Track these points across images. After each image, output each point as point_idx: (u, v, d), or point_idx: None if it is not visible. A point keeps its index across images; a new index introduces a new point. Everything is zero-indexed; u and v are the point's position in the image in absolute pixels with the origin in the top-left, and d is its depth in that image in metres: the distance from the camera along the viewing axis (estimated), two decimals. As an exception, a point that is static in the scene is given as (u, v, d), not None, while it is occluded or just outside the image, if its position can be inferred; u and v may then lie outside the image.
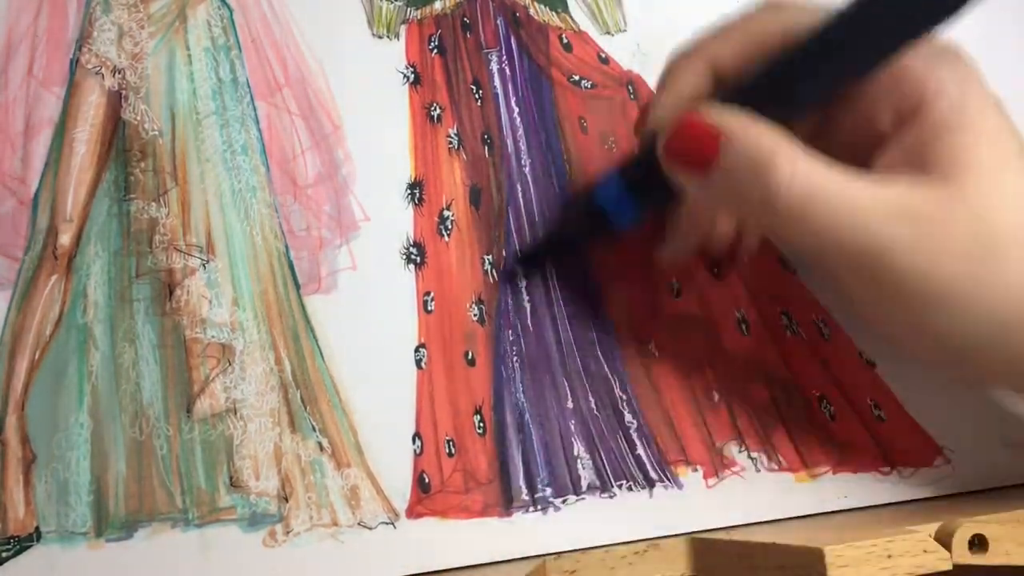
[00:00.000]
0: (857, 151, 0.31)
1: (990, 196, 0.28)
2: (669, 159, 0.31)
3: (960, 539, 0.29)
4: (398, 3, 0.40)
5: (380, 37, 0.39)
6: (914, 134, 0.29)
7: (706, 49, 0.33)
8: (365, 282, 0.36)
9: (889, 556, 0.28)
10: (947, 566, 0.28)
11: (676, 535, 0.34)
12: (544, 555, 0.33)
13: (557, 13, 0.42)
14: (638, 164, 0.34)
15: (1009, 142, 0.29)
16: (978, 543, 0.29)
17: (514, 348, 0.36)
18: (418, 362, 0.35)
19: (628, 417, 0.36)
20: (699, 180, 0.30)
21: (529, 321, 0.37)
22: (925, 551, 0.28)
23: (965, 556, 0.29)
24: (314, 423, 0.34)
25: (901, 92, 0.30)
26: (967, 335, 0.29)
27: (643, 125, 0.35)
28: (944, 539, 0.29)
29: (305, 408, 0.34)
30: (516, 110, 0.40)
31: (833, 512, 0.37)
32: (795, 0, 0.32)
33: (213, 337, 0.34)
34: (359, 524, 0.33)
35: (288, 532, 0.33)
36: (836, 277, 0.31)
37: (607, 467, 0.35)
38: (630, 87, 0.41)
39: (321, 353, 0.35)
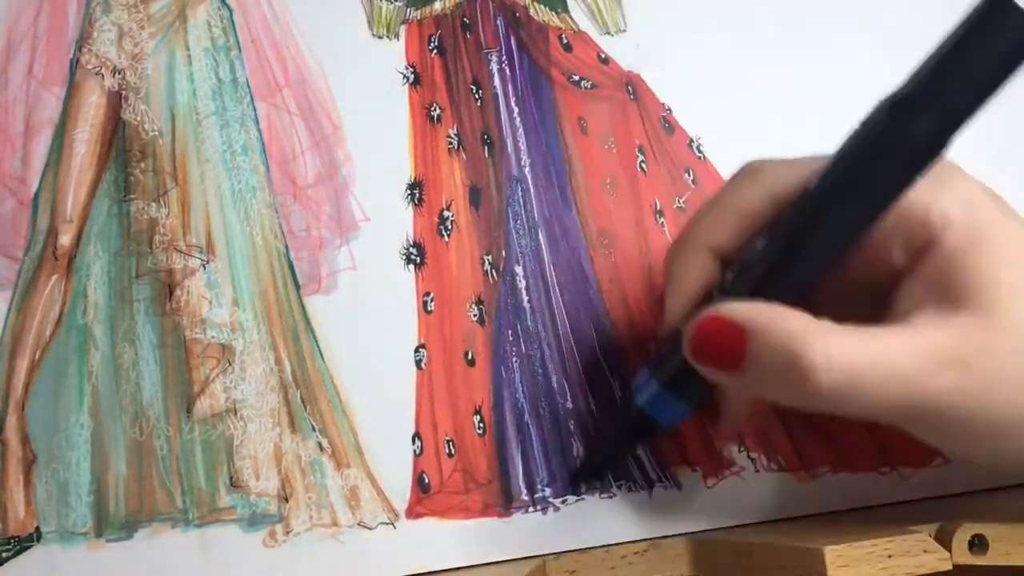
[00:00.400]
0: (876, 289, 0.30)
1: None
2: (698, 362, 0.29)
3: (960, 539, 0.29)
4: (398, 3, 0.40)
5: (380, 37, 0.39)
6: (931, 268, 0.29)
7: (701, 236, 0.32)
8: (365, 282, 0.36)
9: (889, 556, 0.28)
10: (947, 566, 0.28)
11: (676, 535, 0.34)
12: (544, 555, 0.33)
13: (557, 13, 0.42)
14: (668, 364, 0.32)
15: None
16: (978, 543, 0.29)
17: (514, 348, 0.36)
18: (418, 362, 0.35)
19: (628, 417, 0.36)
20: (733, 377, 0.29)
21: (529, 321, 0.37)
22: (925, 551, 0.28)
23: (965, 556, 0.29)
24: (314, 423, 0.34)
25: (908, 228, 0.29)
26: (1019, 465, 0.29)
27: (663, 324, 0.33)
28: (944, 539, 0.29)
29: (305, 408, 0.34)
30: (516, 110, 0.40)
31: (833, 512, 0.37)
32: (772, 161, 0.31)
33: (213, 337, 0.34)
34: (359, 524, 0.33)
35: (288, 532, 0.33)
36: (889, 423, 0.30)
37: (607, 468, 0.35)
38: (630, 87, 0.41)
39: (321, 353, 0.35)
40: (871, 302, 0.30)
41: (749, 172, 0.31)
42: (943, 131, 0.26)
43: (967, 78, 0.25)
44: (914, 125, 0.26)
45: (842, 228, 0.28)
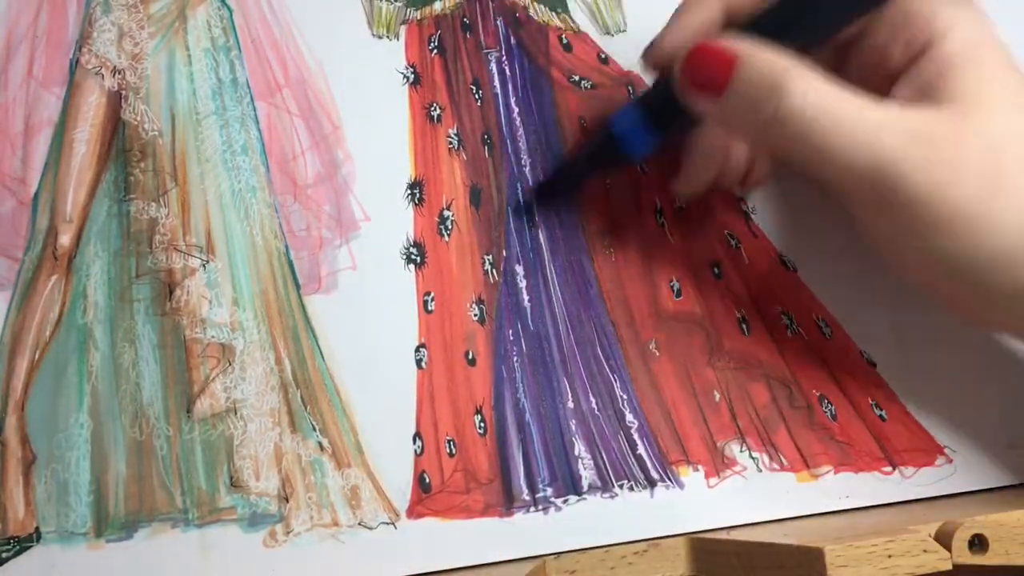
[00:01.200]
0: (870, 88, 0.31)
1: (1001, 129, 0.29)
2: (685, 82, 0.32)
3: (960, 539, 0.29)
4: (398, 3, 0.40)
5: (380, 37, 0.39)
6: (926, 69, 0.30)
7: None
8: (365, 282, 0.36)
9: (889, 556, 0.28)
10: (947, 566, 0.28)
11: (677, 535, 0.34)
12: (546, 555, 0.33)
13: (557, 13, 0.42)
14: (655, 93, 0.35)
15: (1018, 82, 0.30)
16: (978, 543, 0.29)
17: (514, 348, 0.36)
18: (418, 362, 0.35)
19: (629, 417, 0.36)
20: (714, 102, 0.31)
21: (529, 321, 0.37)
22: (925, 551, 0.28)
23: (965, 556, 0.29)
24: (314, 423, 0.34)
25: (912, 28, 0.31)
26: (977, 261, 0.30)
27: (654, 54, 0.35)
28: (944, 539, 0.29)
29: (305, 408, 0.34)
30: (516, 110, 0.40)
31: (835, 512, 0.36)
32: None
33: (213, 337, 0.34)
34: (360, 524, 0.33)
35: (288, 532, 0.33)
36: (848, 202, 0.32)
37: (608, 467, 0.35)
38: (630, 88, 0.41)
39: (321, 353, 0.35)
40: None
41: None
42: None
43: None
44: None
45: None
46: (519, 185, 0.39)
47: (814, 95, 0.29)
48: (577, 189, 0.38)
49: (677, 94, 0.32)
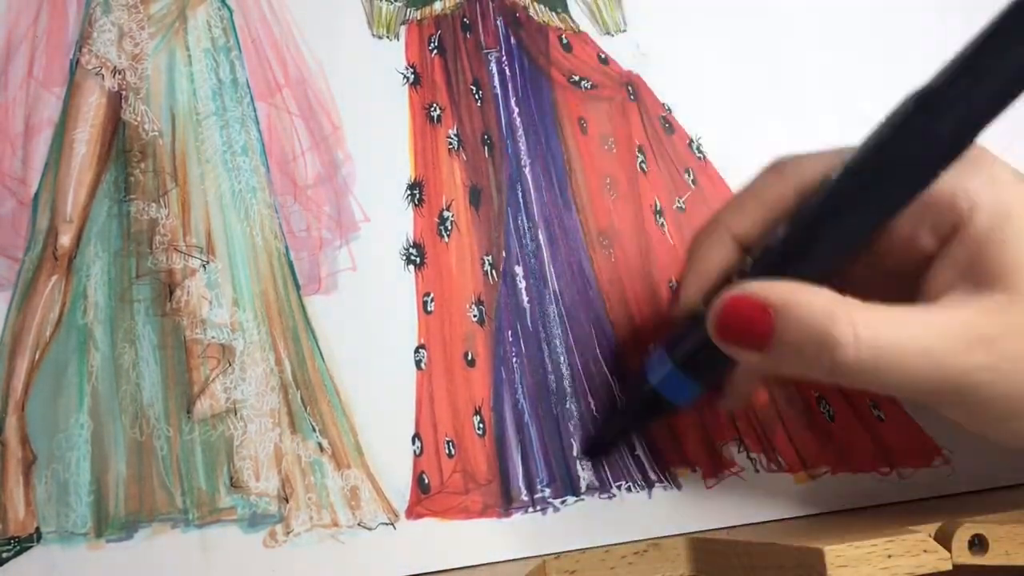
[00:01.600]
0: (904, 272, 0.30)
1: None
2: (722, 340, 0.30)
3: (960, 539, 0.29)
4: (398, 4, 0.40)
5: (380, 38, 0.39)
6: (959, 251, 0.29)
7: (725, 222, 0.33)
8: (365, 283, 0.36)
9: (889, 556, 0.28)
10: (947, 566, 0.28)
11: (676, 535, 0.34)
12: (544, 555, 0.33)
13: (557, 13, 0.42)
14: (684, 344, 0.32)
15: None
16: (978, 543, 0.29)
17: (514, 349, 0.36)
18: (418, 363, 0.35)
19: (628, 418, 0.36)
20: (758, 356, 0.29)
21: (529, 321, 0.37)
22: (925, 551, 0.28)
23: (965, 556, 0.29)
24: (314, 424, 0.34)
25: (935, 212, 0.29)
26: None
27: (677, 305, 0.34)
28: (944, 539, 0.29)
29: (305, 409, 0.34)
30: (516, 111, 0.40)
31: (833, 512, 0.37)
32: (799, 155, 0.32)
33: (213, 338, 0.34)
34: (359, 524, 0.33)
35: (288, 532, 0.33)
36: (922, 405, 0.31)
37: (606, 468, 0.35)
38: (630, 88, 0.41)
39: (321, 354, 0.35)
40: (901, 289, 0.30)
41: (776, 165, 0.32)
42: (967, 128, 0.26)
43: (994, 77, 0.26)
44: (938, 121, 0.26)
45: (861, 219, 0.29)
46: (519, 186, 0.39)
47: (866, 338, 0.27)
48: (626, 439, 0.36)
49: (710, 345, 0.30)
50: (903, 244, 0.30)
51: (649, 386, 0.33)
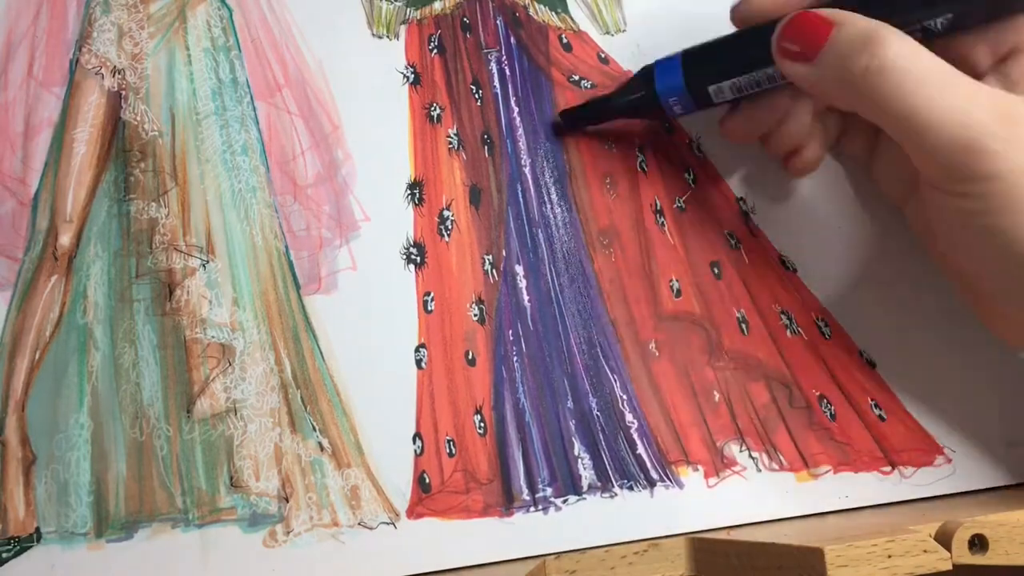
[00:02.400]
0: None
1: None
2: (781, 50, 0.33)
3: (960, 539, 0.29)
4: (398, 3, 0.40)
5: (380, 37, 0.39)
6: (1013, 70, 0.31)
7: None
8: (365, 282, 0.36)
9: (889, 556, 0.28)
10: (947, 566, 0.28)
11: (677, 535, 0.34)
12: (544, 555, 0.33)
13: (557, 13, 0.42)
14: (705, 57, 0.36)
15: None
16: (978, 543, 0.29)
17: (514, 348, 0.36)
18: (418, 362, 0.35)
19: (629, 417, 0.36)
20: (809, 64, 0.32)
21: (529, 321, 0.37)
22: (925, 551, 0.28)
23: (965, 556, 0.29)
24: (314, 423, 0.34)
25: (998, 31, 0.32)
26: None
27: (742, 10, 0.36)
28: (944, 539, 0.29)
29: (305, 408, 0.34)
30: (516, 110, 0.40)
31: (834, 512, 0.37)
32: None
33: (213, 337, 0.34)
34: (360, 524, 0.33)
35: (288, 532, 0.33)
36: (927, 174, 0.32)
37: (608, 467, 0.35)
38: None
39: (321, 353, 0.35)
40: None
41: None
42: None
43: None
44: None
45: None
46: (519, 185, 0.39)
47: (910, 51, 0.30)
48: (603, 122, 0.39)
49: (773, 56, 0.33)
50: (960, 61, 0.32)
51: (652, 86, 0.37)
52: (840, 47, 0.31)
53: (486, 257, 0.37)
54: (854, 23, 0.31)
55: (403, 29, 0.40)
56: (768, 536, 0.32)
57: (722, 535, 0.34)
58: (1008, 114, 0.29)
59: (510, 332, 0.36)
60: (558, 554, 0.33)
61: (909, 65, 0.29)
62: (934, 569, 0.28)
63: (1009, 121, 0.29)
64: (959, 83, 0.30)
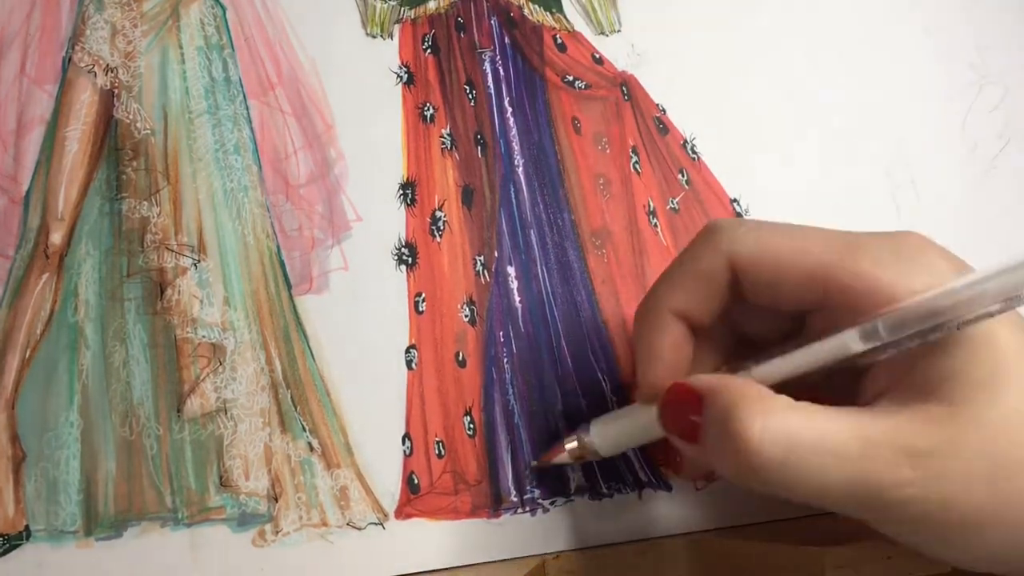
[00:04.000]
0: (844, 382, 0.28)
1: (995, 422, 0.25)
2: (665, 428, 0.29)
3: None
4: (392, 3, 0.40)
5: (374, 37, 0.39)
6: (898, 356, 0.26)
7: (664, 301, 0.30)
8: (356, 282, 0.36)
9: (888, 558, 0.28)
10: (946, 568, 0.28)
11: (664, 537, 0.34)
12: (534, 556, 0.33)
13: (551, 13, 0.42)
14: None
15: (1007, 346, 0.26)
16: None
17: (505, 350, 0.36)
18: (409, 363, 0.35)
19: (619, 419, 0.36)
20: (695, 450, 0.28)
21: (520, 322, 0.37)
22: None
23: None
24: (304, 423, 0.34)
25: (872, 312, 0.26)
26: (995, 554, 0.26)
27: (640, 394, 0.32)
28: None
29: (295, 408, 0.34)
30: (509, 110, 0.40)
31: (827, 514, 0.36)
32: (732, 222, 0.30)
33: (204, 337, 0.34)
34: (348, 524, 0.33)
35: (277, 532, 0.33)
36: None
37: (596, 469, 0.35)
38: (624, 88, 0.41)
39: (312, 353, 0.35)
40: (848, 389, 0.28)
41: (709, 235, 0.30)
42: None
43: None
44: None
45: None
46: (512, 186, 0.39)
47: (776, 426, 0.25)
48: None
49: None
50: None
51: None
52: (710, 440, 0.27)
53: (478, 258, 0.37)
54: (713, 403, 0.26)
55: (397, 28, 0.40)
56: (766, 538, 0.32)
57: (721, 537, 0.34)
58: (914, 452, 0.25)
59: (501, 334, 0.36)
60: (557, 554, 0.33)
61: (776, 441, 0.25)
62: (933, 571, 0.28)
63: (916, 459, 0.25)
64: (844, 441, 0.25)
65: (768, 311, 0.29)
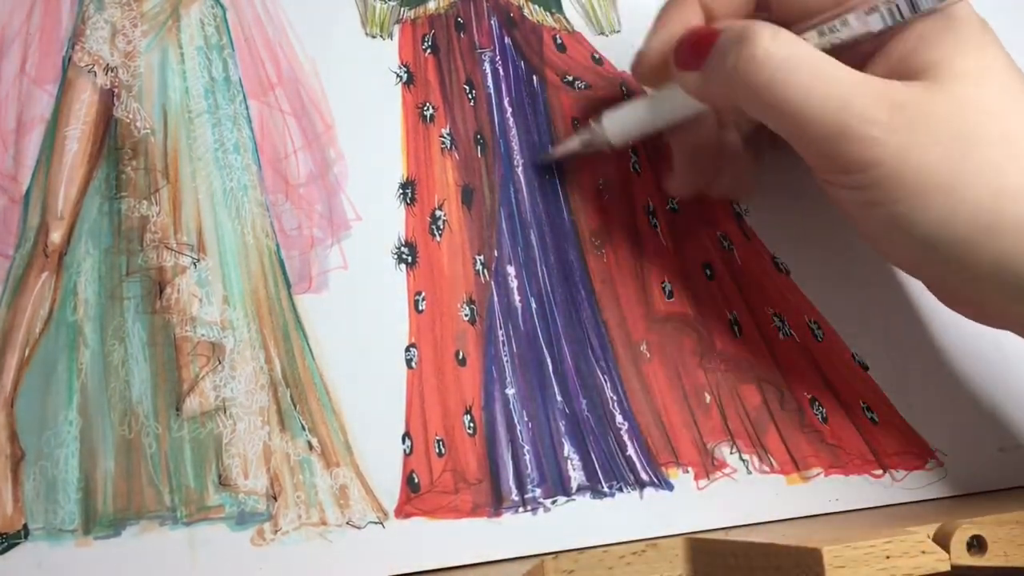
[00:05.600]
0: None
1: (972, 98, 0.29)
2: (677, 58, 0.33)
3: (958, 540, 0.28)
4: (392, 3, 0.40)
5: (373, 36, 0.39)
6: (898, 46, 0.30)
7: None
8: (356, 282, 0.36)
9: (887, 557, 0.28)
10: (945, 567, 0.28)
11: (666, 536, 0.34)
12: (534, 555, 0.33)
13: (551, 13, 0.42)
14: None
15: (994, 55, 0.30)
16: (976, 544, 0.29)
17: (505, 348, 0.36)
18: (409, 362, 0.35)
19: (619, 418, 0.36)
20: (695, 76, 0.32)
21: (520, 321, 0.37)
22: (923, 552, 0.28)
23: (963, 557, 0.28)
24: (303, 422, 0.34)
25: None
26: (949, 231, 0.29)
27: (642, 63, 0.36)
28: (942, 540, 0.29)
29: (295, 407, 0.34)
30: (509, 110, 0.40)
31: (826, 514, 0.36)
32: None
33: (203, 335, 0.34)
34: (348, 523, 0.33)
35: (276, 531, 0.32)
36: (815, 167, 0.32)
37: (597, 468, 0.35)
38: (624, 88, 0.41)
39: (311, 352, 0.35)
40: None
41: None
42: None
43: None
44: None
45: None
46: (511, 186, 0.39)
47: (782, 44, 0.29)
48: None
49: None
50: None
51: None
52: (719, 48, 0.31)
53: (478, 257, 0.37)
54: (732, 25, 0.31)
55: (397, 28, 0.40)
56: (763, 537, 0.32)
57: (720, 536, 0.34)
58: (892, 100, 0.28)
59: (501, 332, 0.36)
60: (556, 553, 0.33)
61: (781, 56, 0.29)
62: (933, 570, 0.28)
63: (892, 106, 0.28)
64: (837, 72, 0.29)
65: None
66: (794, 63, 0.29)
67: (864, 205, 0.30)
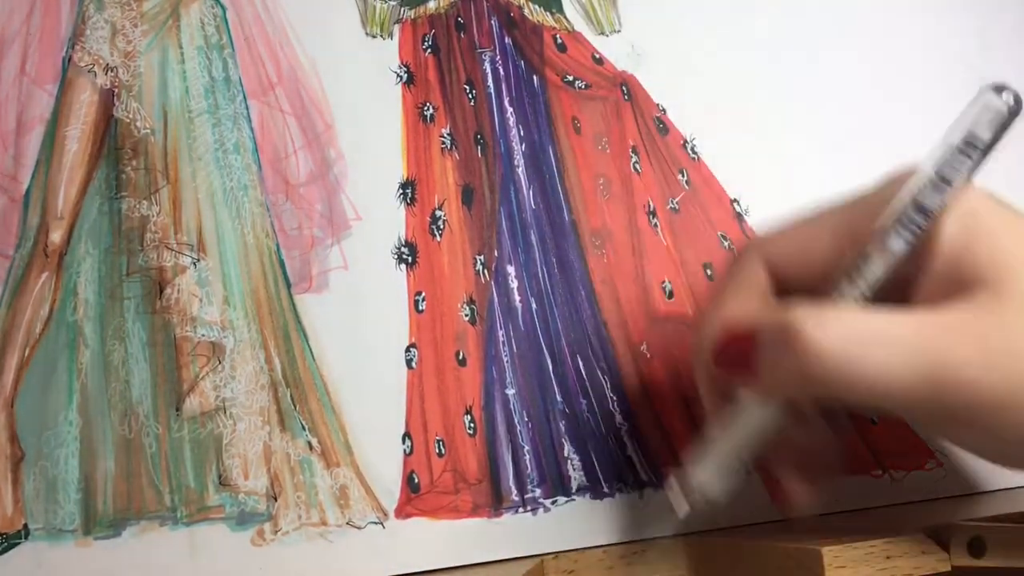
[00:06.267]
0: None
1: None
2: (720, 368, 0.29)
3: (958, 541, 0.28)
4: (392, 3, 0.40)
5: (373, 36, 0.39)
6: (936, 263, 0.28)
7: (718, 314, 0.31)
8: (356, 281, 0.36)
9: (888, 557, 0.28)
10: (945, 567, 0.28)
11: (666, 537, 0.34)
12: (534, 556, 0.33)
13: (551, 13, 0.42)
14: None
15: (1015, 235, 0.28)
16: (976, 545, 0.29)
17: (505, 348, 0.36)
18: (409, 362, 0.35)
19: (619, 418, 0.36)
20: (752, 382, 0.29)
21: (520, 321, 0.37)
22: (923, 552, 0.28)
23: (963, 558, 0.28)
24: (304, 422, 0.34)
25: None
26: None
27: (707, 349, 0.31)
28: (942, 540, 0.28)
29: (295, 407, 0.34)
30: (509, 110, 0.40)
31: (825, 515, 0.36)
32: (766, 235, 0.31)
33: (203, 335, 0.34)
34: (348, 523, 0.33)
35: (276, 531, 0.32)
36: (905, 416, 0.29)
37: (597, 468, 0.35)
38: (624, 88, 0.41)
39: (311, 352, 0.35)
40: None
41: (750, 249, 0.31)
42: None
43: None
44: None
45: None
46: (512, 186, 0.39)
47: (834, 327, 0.26)
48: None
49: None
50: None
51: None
52: (770, 361, 0.27)
53: (478, 257, 0.37)
54: (767, 326, 0.28)
55: (397, 28, 0.40)
56: (765, 537, 0.32)
57: (719, 536, 0.34)
58: (965, 329, 0.26)
59: (501, 332, 0.36)
60: (556, 553, 0.33)
61: (837, 339, 0.26)
62: (932, 570, 0.28)
63: (970, 336, 0.26)
64: (901, 329, 0.26)
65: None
66: (856, 343, 0.26)
67: (963, 432, 0.28)
